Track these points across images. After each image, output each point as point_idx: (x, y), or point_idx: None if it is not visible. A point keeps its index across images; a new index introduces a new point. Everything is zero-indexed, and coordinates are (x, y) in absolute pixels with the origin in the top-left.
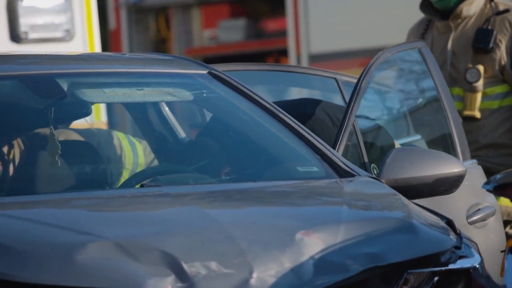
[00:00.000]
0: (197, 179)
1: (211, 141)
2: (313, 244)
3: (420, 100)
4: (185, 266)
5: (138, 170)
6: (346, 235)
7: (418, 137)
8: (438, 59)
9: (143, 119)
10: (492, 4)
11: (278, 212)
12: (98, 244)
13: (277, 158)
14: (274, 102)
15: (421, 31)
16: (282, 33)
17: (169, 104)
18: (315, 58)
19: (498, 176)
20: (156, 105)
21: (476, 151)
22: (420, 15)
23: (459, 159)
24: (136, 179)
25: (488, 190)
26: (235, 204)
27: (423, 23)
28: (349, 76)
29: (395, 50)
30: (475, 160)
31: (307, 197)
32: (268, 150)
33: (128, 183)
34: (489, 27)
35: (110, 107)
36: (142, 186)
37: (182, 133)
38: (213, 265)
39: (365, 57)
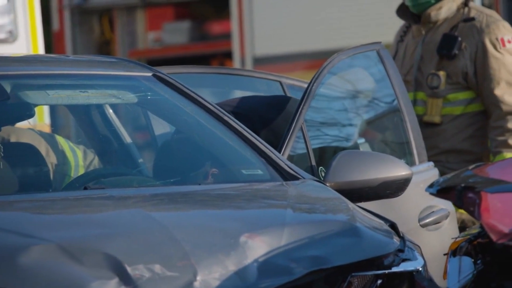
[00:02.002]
0: (141, 182)
1: (156, 143)
2: (257, 247)
3: (377, 102)
4: (128, 269)
5: (79, 173)
6: (290, 238)
7: (362, 140)
8: (408, 63)
9: (86, 122)
10: (465, 10)
11: (222, 215)
12: (40, 247)
13: (222, 161)
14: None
15: (401, 34)
16: (227, 36)
17: (113, 106)
18: (259, 61)
19: (441, 179)
20: (100, 107)
21: (436, 156)
22: (359, 20)
23: (415, 162)
24: (80, 181)
25: (431, 194)
26: (179, 207)
27: (404, 26)
28: (294, 79)
29: (351, 52)
30: (431, 163)
31: (251, 200)
32: (213, 152)
33: (72, 186)
34: (456, 34)
35: (53, 109)
36: (85, 188)
37: (126, 136)
38: (157, 268)
39: (310, 60)
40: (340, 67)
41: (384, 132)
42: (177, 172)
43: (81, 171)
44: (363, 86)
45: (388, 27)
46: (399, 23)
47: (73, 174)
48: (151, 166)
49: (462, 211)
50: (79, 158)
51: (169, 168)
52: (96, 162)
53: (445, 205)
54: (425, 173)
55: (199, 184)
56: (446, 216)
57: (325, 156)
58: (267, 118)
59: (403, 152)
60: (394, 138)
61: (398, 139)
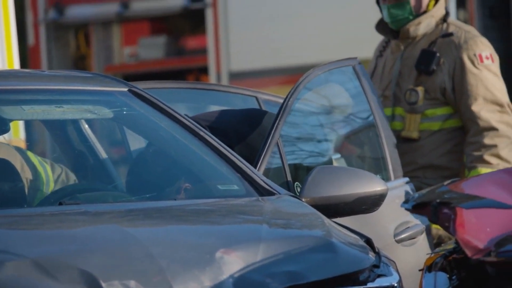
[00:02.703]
0: (116, 197)
1: (131, 158)
2: (233, 263)
3: (353, 118)
4: (103, 284)
5: (51, 188)
6: (266, 253)
7: (338, 155)
8: (386, 78)
9: (62, 137)
10: (444, 25)
11: (198, 230)
12: (16, 263)
13: (197, 176)
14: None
15: (380, 49)
16: (203, 51)
17: (89, 121)
18: (235, 76)
19: (416, 195)
20: (75, 122)
21: (414, 172)
22: (335, 36)
23: (390, 177)
24: (55, 196)
25: (407, 209)
26: (155, 222)
27: (383, 41)
28: (270, 95)
29: (327, 67)
30: (406, 178)
31: (227, 215)
32: (189, 168)
33: (47, 201)
34: (434, 49)
35: (29, 125)
36: (61, 204)
37: (101, 151)
38: (132, 283)
39: (286, 76)
40: (316, 82)
41: (359, 148)
42: (153, 188)
43: (52, 186)
44: (338, 102)
45: (363, 42)
46: (375, 38)
47: (45, 190)
48: (126, 182)
49: (439, 226)
50: (49, 173)
51: (144, 183)
52: (64, 177)
53: (420, 220)
54: (400, 188)
55: (175, 200)
56: (421, 232)
57: (301, 171)
58: (242, 132)
59: (378, 168)
60: (369, 154)
61: (373, 155)
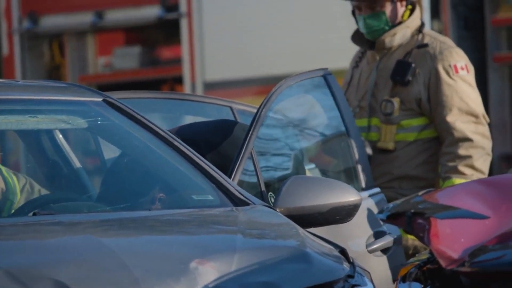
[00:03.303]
0: (90, 207)
1: (106, 169)
2: (208, 273)
3: (325, 128)
4: None
5: (18, 199)
6: (241, 263)
7: (312, 165)
8: (362, 89)
9: (36, 147)
10: (419, 36)
11: (172, 240)
12: None
13: (172, 186)
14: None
15: (356, 59)
16: (177, 61)
17: (63, 131)
18: (210, 86)
19: (391, 205)
20: (50, 132)
21: (389, 182)
22: (308, 46)
23: (362, 187)
24: (29, 207)
25: (381, 220)
26: (129, 233)
27: (359, 52)
28: (245, 105)
29: (299, 78)
30: (378, 188)
31: (201, 226)
32: (163, 178)
33: (21, 211)
34: (409, 60)
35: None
36: (35, 214)
37: (76, 161)
38: None
39: (260, 86)
40: (288, 93)
41: (332, 158)
42: (127, 198)
43: (19, 196)
44: (310, 112)
45: (335, 53)
46: (347, 49)
47: (15, 200)
48: (101, 192)
49: (414, 237)
50: (16, 183)
51: (119, 193)
52: (28, 187)
53: (392, 231)
54: (372, 198)
55: (149, 210)
56: (393, 242)
57: (275, 181)
58: (213, 142)
59: (349, 178)
60: (341, 164)
61: (345, 165)
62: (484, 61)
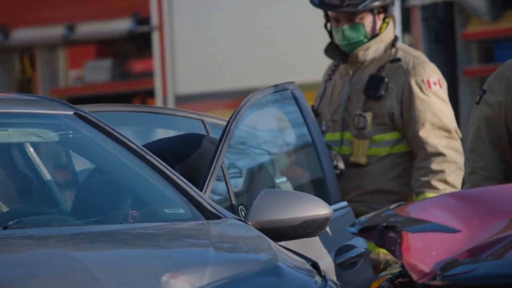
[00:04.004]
0: (62, 221)
1: (77, 182)
2: (179, 287)
3: (293, 141)
4: None
5: None
6: (212, 277)
7: (284, 179)
8: (335, 102)
9: (6, 160)
10: (393, 50)
11: (144, 254)
12: None
13: (144, 200)
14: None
15: (329, 72)
16: (149, 74)
17: (34, 145)
18: (181, 99)
19: (362, 218)
20: (20, 146)
21: (361, 196)
22: (279, 60)
23: (329, 201)
24: None
25: (353, 233)
26: (101, 246)
27: (332, 64)
28: (216, 118)
29: (267, 92)
30: (345, 202)
31: (173, 239)
32: (135, 192)
33: None
34: (382, 74)
35: None
36: (5, 228)
37: (47, 175)
38: None
39: (232, 99)
40: (256, 106)
41: (300, 171)
42: (99, 211)
43: None
44: (279, 125)
45: (305, 67)
46: (317, 63)
47: None
48: (72, 205)
49: (385, 251)
50: None
51: (90, 207)
52: None
53: (360, 244)
54: (340, 212)
55: (121, 223)
56: (361, 256)
57: (245, 195)
58: (181, 154)
59: (318, 192)
60: (310, 177)
61: (313, 179)
62: (455, 74)
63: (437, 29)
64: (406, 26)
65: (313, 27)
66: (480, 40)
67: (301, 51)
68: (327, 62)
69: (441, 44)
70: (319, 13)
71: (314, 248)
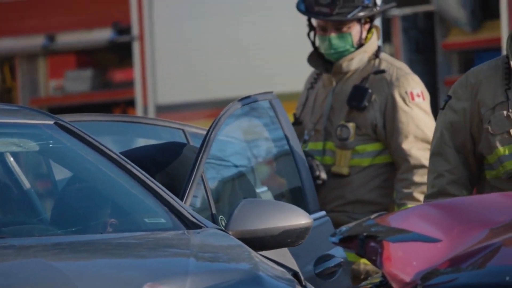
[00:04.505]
0: (42, 231)
1: (58, 192)
2: None
3: (272, 151)
4: None
5: None
6: (193, 287)
7: (264, 188)
8: (318, 112)
9: None
10: (376, 61)
11: (124, 263)
12: None
13: (124, 210)
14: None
15: (311, 81)
16: (129, 84)
17: (14, 154)
18: (162, 109)
19: (343, 228)
20: (0, 155)
21: (343, 206)
22: (258, 70)
23: (308, 211)
24: None
25: (334, 243)
26: (81, 256)
27: (314, 73)
28: (197, 128)
29: (246, 101)
30: (324, 212)
31: (154, 249)
32: (115, 201)
33: None
34: (366, 85)
35: None
36: None
37: (27, 184)
38: None
39: (212, 109)
40: (236, 116)
41: (280, 181)
42: (79, 221)
43: None
44: (258, 135)
45: (286, 77)
46: (297, 73)
47: None
48: (52, 215)
49: (365, 261)
50: None
51: (70, 217)
52: None
53: (339, 254)
54: (318, 221)
55: (101, 233)
56: (340, 265)
57: (226, 204)
58: (162, 162)
59: (297, 201)
60: (288, 187)
61: (292, 188)
62: (435, 84)
63: (417, 39)
64: (387, 36)
65: (293, 37)
66: (460, 51)
67: (281, 62)
68: (307, 72)
69: (422, 54)
70: (299, 23)
71: (294, 257)
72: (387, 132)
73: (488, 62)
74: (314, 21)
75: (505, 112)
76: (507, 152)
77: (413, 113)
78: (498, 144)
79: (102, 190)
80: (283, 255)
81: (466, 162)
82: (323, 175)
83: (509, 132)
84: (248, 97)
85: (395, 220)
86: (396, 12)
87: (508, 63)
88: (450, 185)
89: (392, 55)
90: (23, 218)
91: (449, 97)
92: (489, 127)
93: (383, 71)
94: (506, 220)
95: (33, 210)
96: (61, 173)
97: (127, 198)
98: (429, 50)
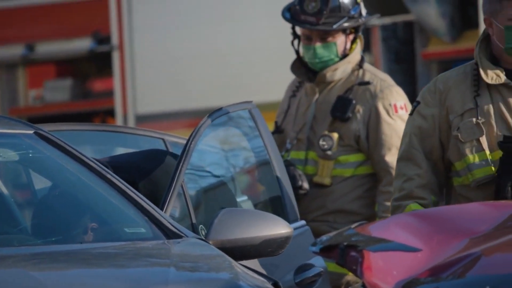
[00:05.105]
0: (21, 241)
1: (38, 202)
2: None
3: (252, 160)
4: None
5: None
6: None
7: (245, 197)
8: (301, 121)
9: None
10: (360, 72)
11: (104, 273)
12: None
13: (104, 219)
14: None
15: (293, 89)
16: (109, 94)
17: None
18: (142, 119)
19: (324, 238)
20: None
21: (324, 216)
22: (237, 80)
23: (287, 220)
24: None
25: (314, 252)
26: (61, 266)
27: (296, 81)
28: (177, 137)
29: (226, 111)
30: (304, 221)
31: (134, 259)
32: (95, 211)
33: None
34: (350, 96)
35: None
36: None
37: (6, 194)
38: None
39: (192, 118)
40: (215, 125)
41: (260, 190)
42: (59, 231)
43: None
44: (237, 144)
45: (266, 86)
46: (278, 82)
47: None
48: (32, 225)
49: (346, 271)
50: None
51: (50, 226)
52: None
53: (318, 263)
54: (298, 230)
55: (81, 243)
56: (320, 275)
57: (206, 213)
58: (145, 169)
59: (276, 211)
60: (268, 196)
61: (272, 197)
62: (415, 94)
63: (397, 49)
64: (366, 46)
65: (273, 47)
66: (440, 60)
67: (261, 71)
68: (286, 82)
69: (401, 64)
70: (280, 32)
71: (274, 267)
72: (370, 144)
73: (457, 68)
74: (298, 30)
75: (474, 120)
76: (476, 160)
77: (397, 125)
78: (467, 152)
79: (82, 200)
80: (264, 264)
81: (435, 168)
82: (306, 185)
83: (478, 140)
84: (228, 106)
85: (375, 229)
86: (376, 21)
87: (477, 69)
88: (419, 188)
89: (371, 64)
90: (2, 228)
91: (418, 102)
92: (459, 134)
93: (368, 83)
94: (486, 230)
95: (13, 220)
96: (41, 183)
97: (107, 208)
98: (409, 59)
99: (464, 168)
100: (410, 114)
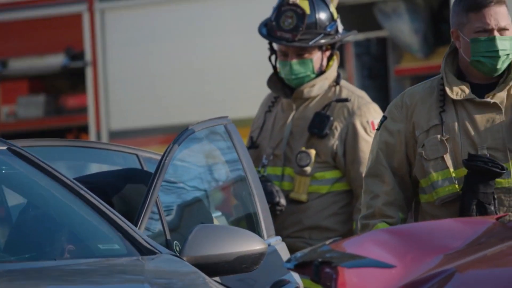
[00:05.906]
0: None
1: (11, 218)
2: None
3: (227, 176)
4: None
5: None
6: None
7: (219, 213)
8: (277, 136)
9: None
10: (337, 88)
11: None
12: None
13: (78, 236)
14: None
15: (269, 104)
16: (82, 110)
17: None
18: (115, 135)
19: (298, 254)
20: None
21: (300, 232)
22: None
23: (263, 236)
24: None
25: (289, 269)
26: (35, 283)
27: (271, 96)
28: (151, 152)
29: (200, 126)
30: (279, 237)
31: (108, 275)
32: (69, 227)
33: None
34: (327, 113)
35: None
36: None
37: None
38: None
39: (166, 134)
40: (190, 141)
41: (235, 206)
42: (32, 248)
43: None
44: (212, 160)
45: (241, 102)
46: (253, 98)
47: None
48: (5, 242)
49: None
50: None
51: (24, 243)
52: None
53: (294, 279)
54: (273, 247)
55: (55, 260)
56: None
57: (181, 230)
58: (119, 188)
59: (252, 226)
60: (244, 212)
61: (247, 213)
62: None
63: (370, 65)
64: (340, 62)
65: (248, 63)
66: (413, 76)
67: (234, 87)
68: (261, 97)
69: (374, 80)
70: (254, 48)
71: (249, 283)
72: (347, 161)
73: (423, 83)
74: (275, 46)
75: (438, 136)
76: (440, 178)
77: None
78: (431, 170)
79: (56, 216)
80: (238, 280)
81: (402, 184)
82: (283, 201)
83: (442, 158)
84: (203, 122)
85: (349, 246)
86: (349, 37)
87: (443, 84)
88: (386, 206)
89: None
90: None
91: (385, 117)
92: (423, 151)
93: (346, 100)
94: (460, 246)
95: None
96: (14, 199)
97: (81, 224)
98: (382, 76)
99: (429, 186)
100: (377, 129)
